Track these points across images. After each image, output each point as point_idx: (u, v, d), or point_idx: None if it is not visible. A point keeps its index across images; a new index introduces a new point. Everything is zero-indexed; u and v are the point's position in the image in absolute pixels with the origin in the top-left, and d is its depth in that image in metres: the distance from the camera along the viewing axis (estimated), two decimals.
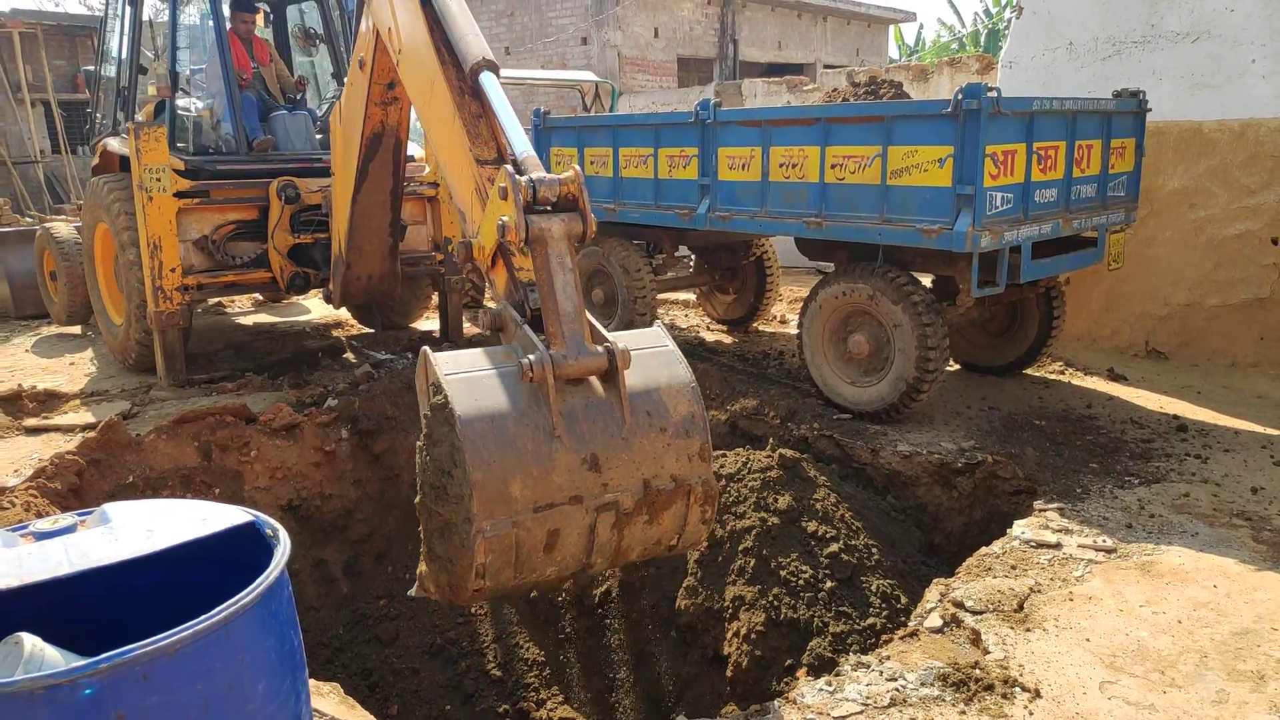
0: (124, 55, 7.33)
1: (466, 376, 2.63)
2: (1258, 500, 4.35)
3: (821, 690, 2.99)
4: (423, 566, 2.92)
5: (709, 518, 2.95)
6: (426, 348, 2.80)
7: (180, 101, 6.92)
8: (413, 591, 3.07)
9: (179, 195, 6.41)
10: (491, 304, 3.04)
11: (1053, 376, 6.55)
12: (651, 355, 2.90)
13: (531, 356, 2.61)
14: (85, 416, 5.91)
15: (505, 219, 2.77)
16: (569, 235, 2.80)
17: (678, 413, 2.82)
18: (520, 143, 3.06)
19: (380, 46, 4.65)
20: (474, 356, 2.75)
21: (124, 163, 6.78)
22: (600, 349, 2.72)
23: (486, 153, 3.32)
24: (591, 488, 2.65)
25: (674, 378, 2.87)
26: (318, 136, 7.50)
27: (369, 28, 4.76)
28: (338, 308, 7.05)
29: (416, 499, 2.77)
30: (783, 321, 8.60)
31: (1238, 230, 6.63)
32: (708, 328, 8.45)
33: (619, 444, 2.70)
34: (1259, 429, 5.36)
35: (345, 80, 5.83)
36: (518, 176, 2.79)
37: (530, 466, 2.56)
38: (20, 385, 6.45)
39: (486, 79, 3.21)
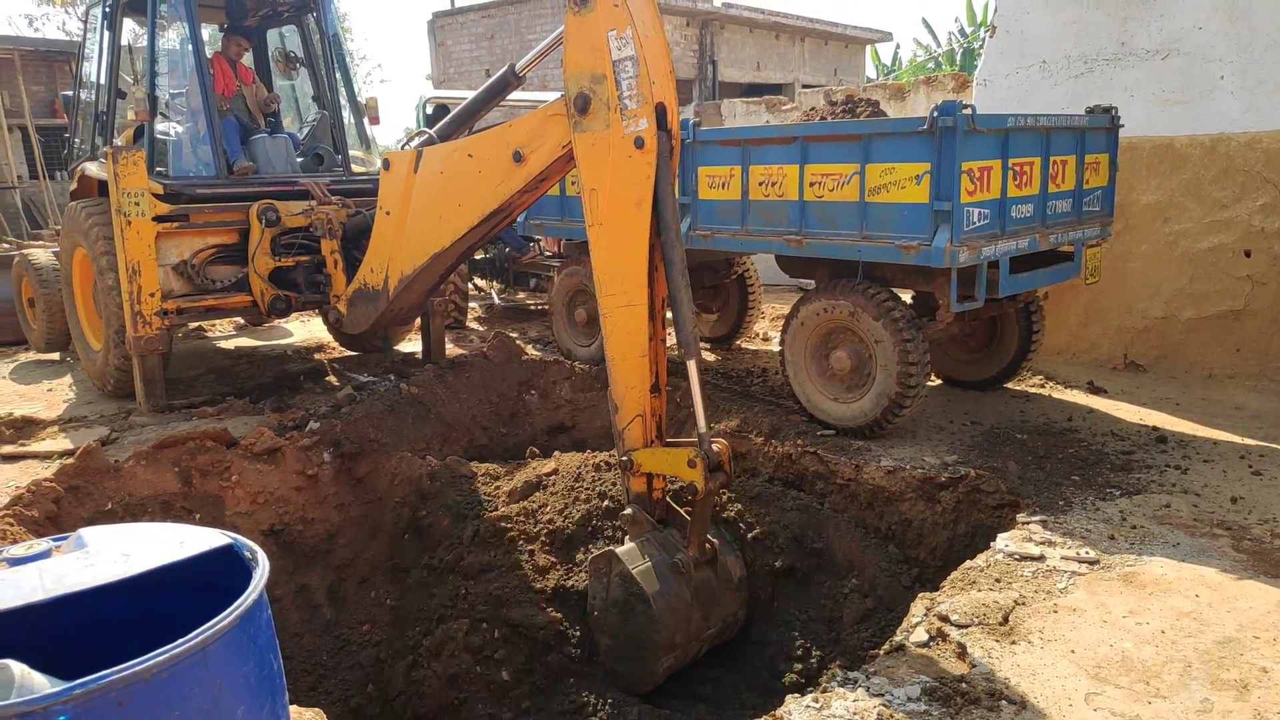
0: (102, 80, 7.30)
1: (646, 566, 3.96)
2: (1237, 510, 4.38)
3: (809, 707, 2.97)
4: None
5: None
6: (613, 550, 4.01)
7: (159, 125, 6.90)
8: None
9: (158, 219, 6.37)
10: (629, 508, 4.20)
11: (1033, 390, 6.60)
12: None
13: (681, 557, 3.99)
14: (63, 443, 5.84)
15: (695, 483, 3.79)
16: (718, 490, 4.00)
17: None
18: (703, 421, 3.88)
19: (561, 161, 4.41)
20: (639, 551, 4.03)
21: (102, 187, 6.74)
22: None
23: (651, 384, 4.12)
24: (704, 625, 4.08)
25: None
26: (298, 160, 7.50)
27: (555, 143, 4.35)
28: (352, 332, 6.86)
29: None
30: (765, 339, 8.63)
31: (1211, 244, 6.72)
32: None
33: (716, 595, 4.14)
34: (1237, 439, 5.41)
35: (432, 136, 5.41)
36: (705, 452, 3.79)
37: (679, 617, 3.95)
38: None
39: (691, 364, 3.92)
